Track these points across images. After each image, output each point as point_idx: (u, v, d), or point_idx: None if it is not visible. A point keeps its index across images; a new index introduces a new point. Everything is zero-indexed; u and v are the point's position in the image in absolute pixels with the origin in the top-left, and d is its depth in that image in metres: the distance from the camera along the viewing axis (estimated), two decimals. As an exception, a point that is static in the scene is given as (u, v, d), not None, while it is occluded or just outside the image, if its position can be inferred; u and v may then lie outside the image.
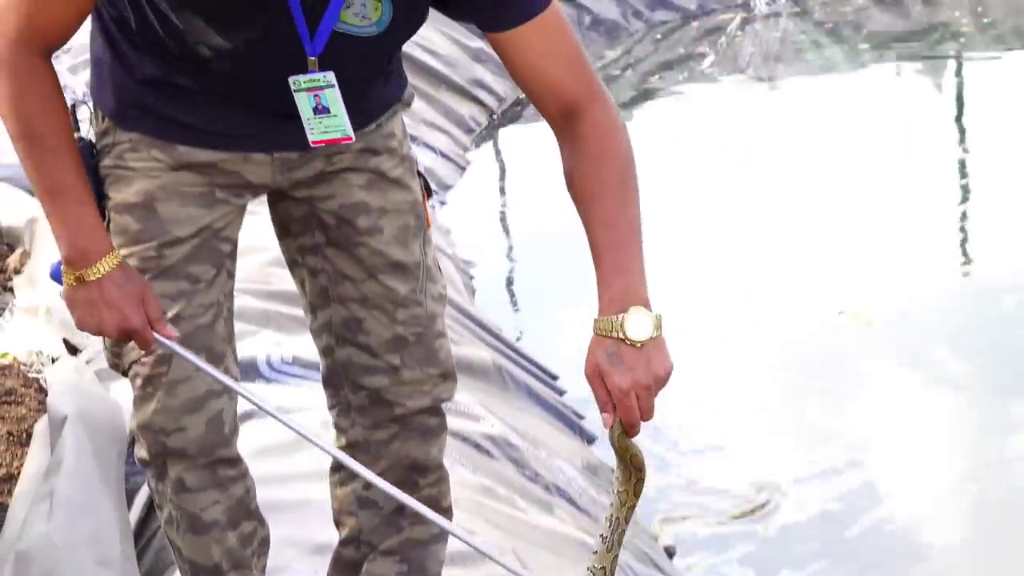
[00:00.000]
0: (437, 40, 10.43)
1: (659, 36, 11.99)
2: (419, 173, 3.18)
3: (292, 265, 3.22)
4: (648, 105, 10.34)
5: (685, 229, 7.73)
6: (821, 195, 8.09)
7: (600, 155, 2.72)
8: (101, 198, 3.03)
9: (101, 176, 3.05)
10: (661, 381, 2.54)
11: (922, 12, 12.08)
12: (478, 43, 10.84)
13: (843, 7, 12.41)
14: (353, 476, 3.19)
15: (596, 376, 2.56)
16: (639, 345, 2.53)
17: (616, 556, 2.66)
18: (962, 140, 9.29)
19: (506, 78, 10.56)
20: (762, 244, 7.49)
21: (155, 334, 2.92)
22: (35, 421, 5.17)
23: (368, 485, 3.15)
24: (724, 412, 5.96)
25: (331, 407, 3.30)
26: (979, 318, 6.55)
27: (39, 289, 6.24)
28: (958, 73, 10.74)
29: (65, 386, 5.02)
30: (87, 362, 5.37)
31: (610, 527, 2.66)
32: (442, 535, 3.36)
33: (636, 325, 2.53)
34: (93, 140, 3.06)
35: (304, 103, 2.83)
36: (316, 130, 2.87)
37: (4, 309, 6.33)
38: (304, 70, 2.80)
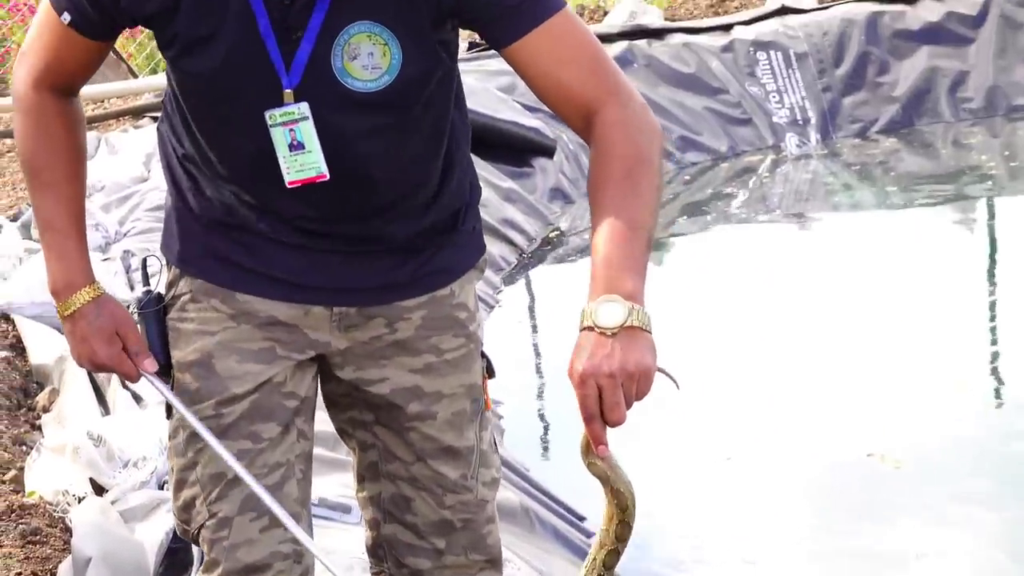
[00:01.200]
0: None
1: (688, 177, 12.00)
2: (483, 354, 3.14)
3: (341, 433, 3.25)
4: (678, 243, 10.32)
5: (715, 368, 7.68)
6: (851, 335, 8.03)
7: (607, 151, 2.70)
8: (168, 356, 3.04)
9: (168, 330, 3.05)
10: (630, 376, 2.45)
11: (951, 155, 12.10)
12: (509, 183, 10.93)
13: (872, 149, 12.43)
14: None
15: (570, 370, 2.52)
16: (609, 333, 2.46)
17: None
18: (993, 281, 9.23)
19: (536, 217, 10.69)
20: (791, 384, 7.45)
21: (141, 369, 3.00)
22: (59, 562, 5.15)
23: None
24: (751, 553, 5.91)
25: (374, 575, 3.28)
26: (1011, 459, 6.49)
27: (67, 428, 6.26)
28: (990, 215, 10.69)
29: (90, 527, 5.03)
30: (112, 502, 5.35)
31: (586, 565, 2.68)
32: None
33: (606, 312, 2.48)
34: (162, 292, 3.08)
35: (279, 138, 2.81)
36: (292, 169, 2.84)
37: (32, 448, 6.32)
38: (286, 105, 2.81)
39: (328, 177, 2.83)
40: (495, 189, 10.73)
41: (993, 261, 9.82)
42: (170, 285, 3.07)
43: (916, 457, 6.52)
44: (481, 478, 3.15)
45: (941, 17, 13.29)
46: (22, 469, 6.14)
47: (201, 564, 3.11)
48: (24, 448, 6.39)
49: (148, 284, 3.08)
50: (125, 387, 6.37)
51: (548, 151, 11.54)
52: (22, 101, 3.02)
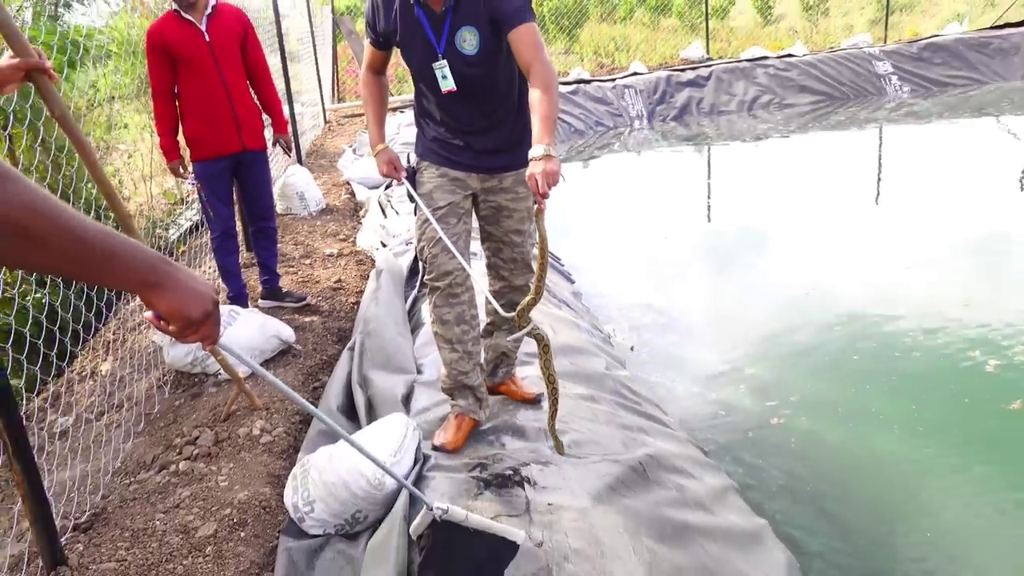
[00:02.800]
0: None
1: (596, 137, 11.71)
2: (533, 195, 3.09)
3: (480, 226, 3.08)
4: (592, 164, 10.01)
5: (597, 212, 7.59)
6: (653, 193, 7.88)
7: (535, 85, 2.51)
8: (414, 194, 2.90)
9: (415, 183, 2.93)
10: (547, 173, 2.34)
11: (695, 128, 11.70)
12: None
13: (667, 127, 12.01)
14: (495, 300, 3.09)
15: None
16: (538, 158, 2.37)
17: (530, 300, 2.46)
18: (709, 177, 8.98)
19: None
20: (644, 204, 7.35)
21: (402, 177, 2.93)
22: (370, 271, 5.06)
23: (502, 306, 3.08)
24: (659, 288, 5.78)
25: (488, 275, 3.16)
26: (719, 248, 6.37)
27: (371, 221, 6.15)
28: (708, 152, 10.38)
29: (382, 258, 5.00)
30: (390, 250, 5.26)
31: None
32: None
33: (536, 151, 2.38)
34: (414, 166, 2.93)
35: (438, 74, 2.70)
36: (443, 87, 2.72)
37: (358, 230, 6.20)
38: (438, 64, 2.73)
39: (456, 90, 2.72)
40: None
41: (710, 168, 9.52)
42: (416, 164, 2.95)
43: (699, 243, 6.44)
44: (527, 243, 3.05)
45: (695, 76, 12.79)
46: (355, 239, 6.07)
47: (424, 273, 3.04)
48: (355, 229, 6.31)
49: (409, 163, 2.97)
50: (392, 208, 6.27)
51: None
52: (361, 77, 2.97)
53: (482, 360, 3.28)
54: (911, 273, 5.30)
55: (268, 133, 4.63)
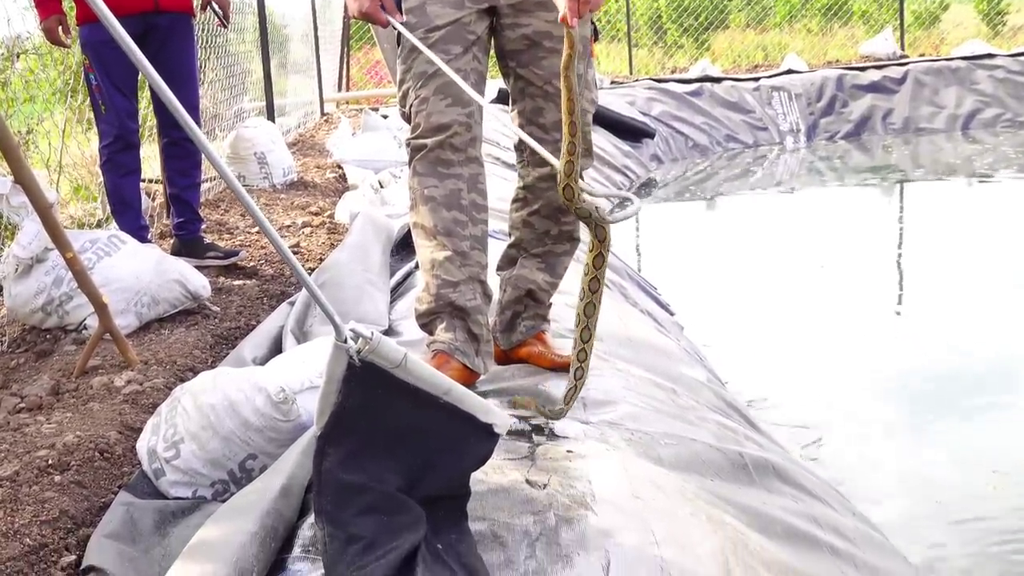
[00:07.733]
0: (607, 146, 10.30)
1: (728, 159, 11.72)
2: (593, 23, 2.97)
3: (504, 75, 3.01)
4: (718, 203, 9.73)
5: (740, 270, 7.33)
6: (810, 255, 7.60)
7: None
8: (401, 6, 2.88)
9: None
10: None
11: (879, 155, 11.59)
12: (627, 148, 10.79)
13: (834, 148, 12.01)
14: (523, 205, 2.97)
15: None
16: None
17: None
18: (901, 224, 8.68)
19: (640, 165, 10.37)
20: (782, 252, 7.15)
21: (388, 17, 2.80)
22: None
23: (532, 212, 3.00)
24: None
25: (518, 163, 3.07)
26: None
27: (362, 191, 6.12)
28: (900, 190, 10.08)
29: (365, 209, 4.85)
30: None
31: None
32: (571, 250, 3.10)
33: None
34: None
35: None
36: None
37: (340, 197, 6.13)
38: None
39: None
40: (620, 150, 10.58)
41: (902, 210, 9.38)
42: None
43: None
44: (585, 96, 2.90)
45: (880, 78, 12.99)
46: (332, 213, 5.99)
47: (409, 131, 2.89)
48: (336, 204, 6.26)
49: None
50: (396, 180, 6.21)
51: (651, 135, 11.40)
52: None
53: (496, 300, 3.10)
54: None
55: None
